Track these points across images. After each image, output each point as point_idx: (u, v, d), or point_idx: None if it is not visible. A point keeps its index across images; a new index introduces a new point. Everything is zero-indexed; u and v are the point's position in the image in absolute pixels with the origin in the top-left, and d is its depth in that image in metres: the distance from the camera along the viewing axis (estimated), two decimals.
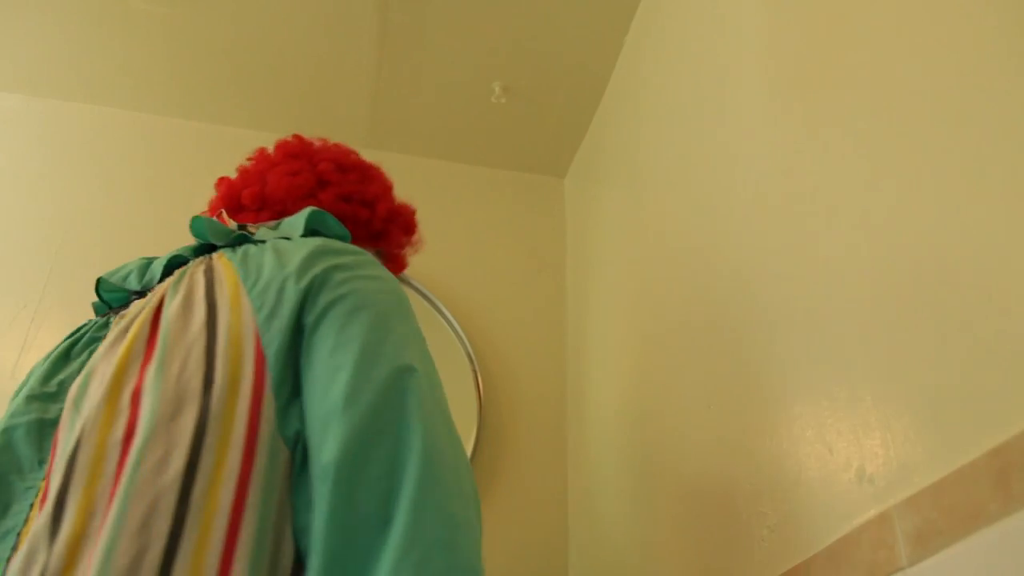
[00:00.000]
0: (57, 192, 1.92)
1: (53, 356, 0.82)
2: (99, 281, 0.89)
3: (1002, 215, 0.67)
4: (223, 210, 1.04)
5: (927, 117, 0.79)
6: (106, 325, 0.83)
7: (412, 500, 0.62)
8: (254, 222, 1.00)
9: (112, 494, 0.63)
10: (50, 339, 1.76)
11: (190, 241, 0.92)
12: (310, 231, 0.87)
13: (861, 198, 0.87)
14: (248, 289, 0.75)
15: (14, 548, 0.64)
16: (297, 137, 1.16)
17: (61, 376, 0.78)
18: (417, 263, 1.84)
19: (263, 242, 0.83)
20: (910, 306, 0.77)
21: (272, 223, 0.94)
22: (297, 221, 0.89)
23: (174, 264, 0.87)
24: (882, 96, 0.86)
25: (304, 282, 0.74)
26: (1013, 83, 0.68)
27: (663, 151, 1.53)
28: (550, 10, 1.78)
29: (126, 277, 0.90)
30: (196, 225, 0.90)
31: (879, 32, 0.89)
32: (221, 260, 0.81)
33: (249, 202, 1.04)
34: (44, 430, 0.73)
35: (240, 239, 0.87)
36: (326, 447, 0.65)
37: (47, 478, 0.68)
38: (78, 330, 0.85)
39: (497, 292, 1.98)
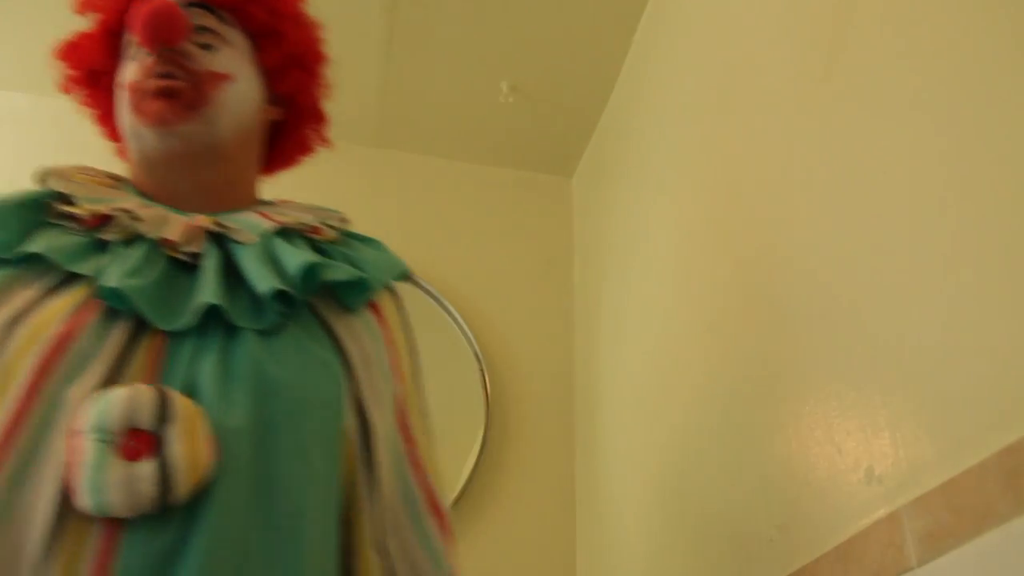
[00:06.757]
0: None
1: None
2: None
3: (1005, 213, 0.67)
4: None
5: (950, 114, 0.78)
6: None
7: None
8: None
9: None
10: None
11: None
12: None
13: (867, 199, 0.87)
14: None
15: None
16: None
17: None
18: (424, 262, 1.85)
19: None
20: (919, 305, 0.77)
21: None
22: None
23: None
24: (899, 90, 0.86)
25: None
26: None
27: (671, 150, 1.52)
28: (558, 9, 1.77)
29: None
30: None
31: (887, 31, 0.88)
32: None
33: None
34: None
35: None
36: None
37: None
38: None
39: (504, 291, 1.98)
